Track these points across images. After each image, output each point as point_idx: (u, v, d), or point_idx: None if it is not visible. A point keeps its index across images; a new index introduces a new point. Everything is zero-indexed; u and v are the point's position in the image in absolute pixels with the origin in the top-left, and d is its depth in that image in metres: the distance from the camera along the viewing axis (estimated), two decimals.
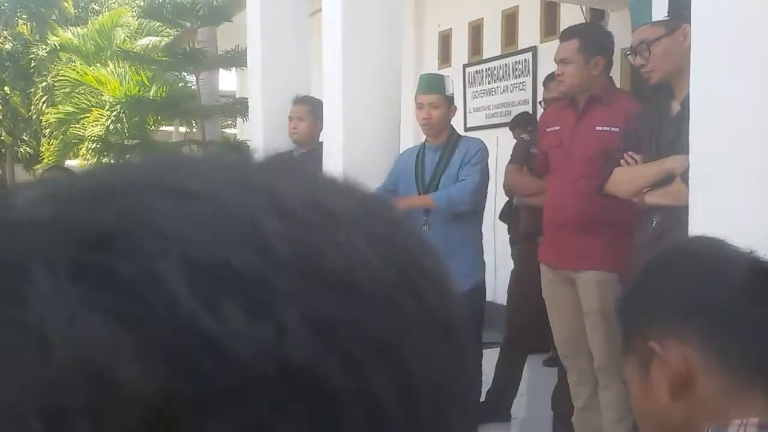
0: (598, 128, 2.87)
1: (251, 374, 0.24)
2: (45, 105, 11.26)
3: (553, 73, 3.59)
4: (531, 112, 5.63)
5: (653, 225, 2.53)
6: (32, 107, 11.86)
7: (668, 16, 2.47)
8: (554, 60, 3.06)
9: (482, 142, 3.51)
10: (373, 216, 0.30)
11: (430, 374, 0.28)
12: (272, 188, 0.28)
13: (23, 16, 12.84)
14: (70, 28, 11.57)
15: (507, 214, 4.41)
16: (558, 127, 3.05)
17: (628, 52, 2.62)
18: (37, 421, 0.22)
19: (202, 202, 0.27)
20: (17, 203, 0.27)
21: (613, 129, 2.82)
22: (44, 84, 11.35)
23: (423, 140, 3.59)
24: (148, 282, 0.24)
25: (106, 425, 0.22)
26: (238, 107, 6.09)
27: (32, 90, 12.09)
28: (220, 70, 7.00)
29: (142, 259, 0.24)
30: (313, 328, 0.25)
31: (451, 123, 3.56)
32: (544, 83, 3.97)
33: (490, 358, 3.72)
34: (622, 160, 2.60)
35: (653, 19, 2.49)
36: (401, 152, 3.62)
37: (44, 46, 11.70)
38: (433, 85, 3.49)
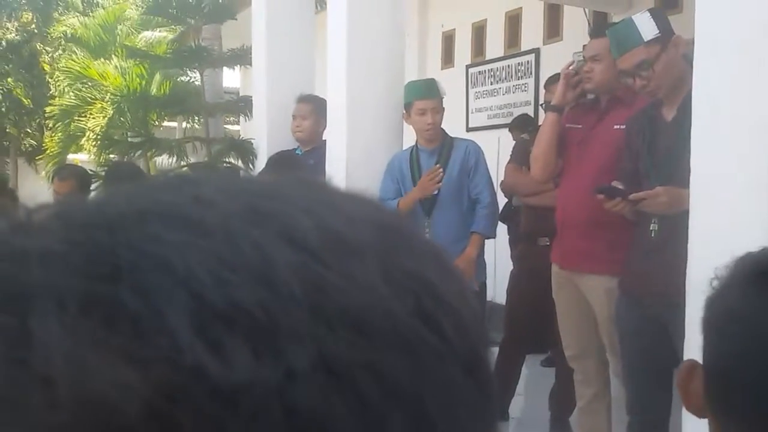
0: (615, 127, 2.86)
1: (257, 420, 0.23)
2: (50, 94, 11.24)
3: (555, 75, 3.61)
4: (533, 113, 5.66)
5: (652, 235, 2.52)
6: (36, 97, 11.82)
7: (659, 32, 2.52)
8: (583, 56, 3.04)
9: (476, 144, 3.55)
10: (390, 246, 0.29)
11: (451, 417, 0.27)
12: (286, 217, 0.27)
13: (27, 8, 12.84)
14: (77, 17, 11.57)
15: (507, 215, 4.43)
16: (580, 126, 3.03)
17: (623, 77, 2.62)
18: None
19: (214, 235, 0.26)
20: (26, 229, 0.26)
21: None
22: (52, 73, 11.33)
23: (414, 144, 3.59)
24: (154, 321, 0.23)
25: None
26: (242, 105, 6.11)
27: (36, 81, 12.07)
28: (225, 67, 7.02)
29: (149, 296, 0.24)
30: (324, 372, 0.24)
31: (452, 123, 3.59)
32: (546, 86, 3.99)
33: None
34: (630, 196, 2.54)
35: (644, 39, 2.52)
36: (392, 158, 3.61)
37: (49, 38, 11.69)
38: (432, 90, 3.52)
